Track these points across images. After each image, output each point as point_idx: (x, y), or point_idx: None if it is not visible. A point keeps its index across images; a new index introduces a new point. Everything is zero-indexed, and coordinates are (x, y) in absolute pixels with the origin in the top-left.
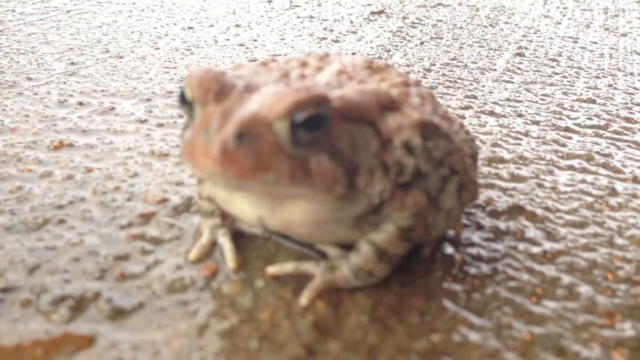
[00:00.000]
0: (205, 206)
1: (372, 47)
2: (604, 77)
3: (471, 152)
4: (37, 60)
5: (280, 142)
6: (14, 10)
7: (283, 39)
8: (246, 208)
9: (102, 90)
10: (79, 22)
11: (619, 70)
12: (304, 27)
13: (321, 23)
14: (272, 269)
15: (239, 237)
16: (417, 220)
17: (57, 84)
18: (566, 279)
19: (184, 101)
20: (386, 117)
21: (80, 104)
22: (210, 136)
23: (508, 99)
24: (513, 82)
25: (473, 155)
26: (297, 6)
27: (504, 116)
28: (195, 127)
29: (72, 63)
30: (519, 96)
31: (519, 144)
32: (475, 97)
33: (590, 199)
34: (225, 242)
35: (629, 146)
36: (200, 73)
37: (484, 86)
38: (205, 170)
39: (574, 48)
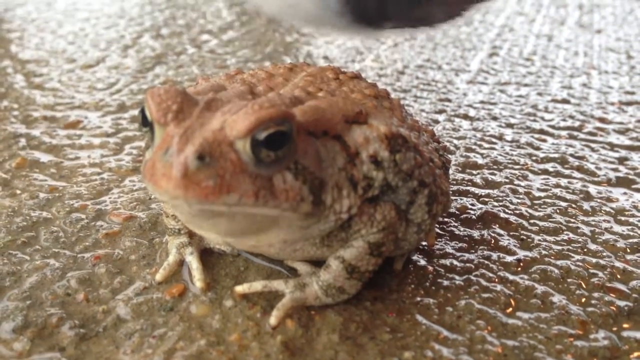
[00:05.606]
0: (171, 224)
1: (344, 50)
2: (578, 76)
3: (442, 162)
4: None
5: (243, 162)
6: None
7: (256, 44)
8: (212, 235)
9: (67, 103)
10: (43, 32)
11: (593, 68)
12: (273, 32)
13: (292, 26)
14: (240, 288)
15: (208, 255)
16: (387, 234)
17: (21, 98)
18: (540, 288)
19: (144, 121)
20: (353, 131)
21: (45, 118)
22: (171, 157)
23: (482, 102)
24: (487, 84)
25: (444, 165)
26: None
27: (478, 119)
28: (155, 148)
29: (36, 75)
30: (493, 98)
31: (494, 148)
32: (449, 100)
33: (564, 204)
34: (192, 261)
35: (603, 147)
36: (159, 92)
37: (458, 88)
38: (166, 193)
39: (548, 46)
